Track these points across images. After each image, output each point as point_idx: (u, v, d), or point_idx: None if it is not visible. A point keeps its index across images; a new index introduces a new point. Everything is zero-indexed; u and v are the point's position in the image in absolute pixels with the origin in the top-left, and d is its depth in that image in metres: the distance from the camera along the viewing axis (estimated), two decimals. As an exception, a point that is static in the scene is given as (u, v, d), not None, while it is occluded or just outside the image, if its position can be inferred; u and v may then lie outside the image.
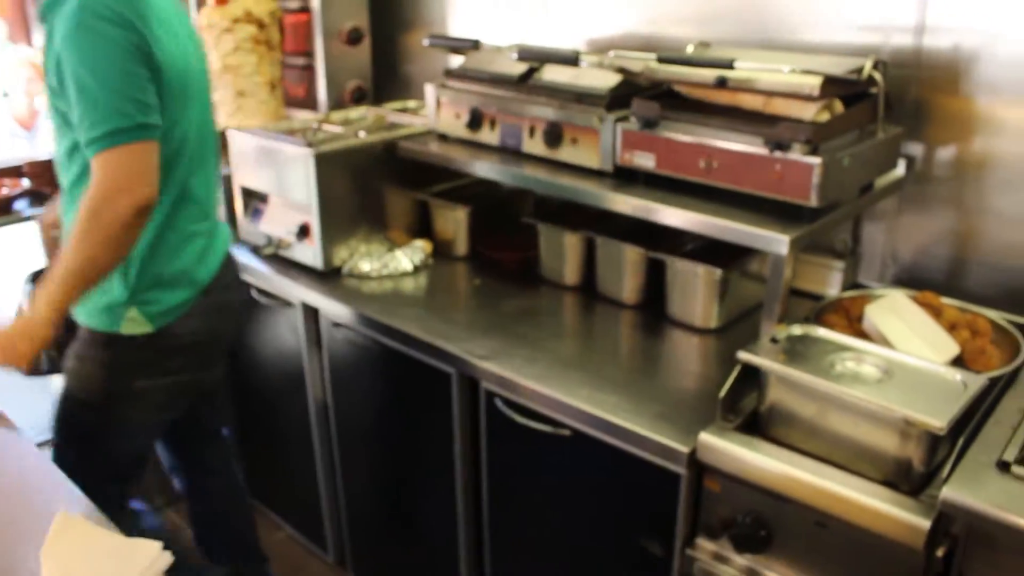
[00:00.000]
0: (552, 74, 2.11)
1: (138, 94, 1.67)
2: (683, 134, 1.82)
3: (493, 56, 2.27)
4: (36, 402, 2.19)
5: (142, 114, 1.67)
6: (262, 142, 2.37)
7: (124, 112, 1.65)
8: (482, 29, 2.73)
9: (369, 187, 2.39)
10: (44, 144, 3.46)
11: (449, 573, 2.24)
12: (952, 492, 1.33)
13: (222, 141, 2.56)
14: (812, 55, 1.94)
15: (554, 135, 2.04)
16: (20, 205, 2.94)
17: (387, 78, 3.06)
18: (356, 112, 2.72)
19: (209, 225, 1.98)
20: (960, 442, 1.46)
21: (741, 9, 2.16)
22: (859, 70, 1.78)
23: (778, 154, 1.69)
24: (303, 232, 2.33)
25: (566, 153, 2.04)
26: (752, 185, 1.74)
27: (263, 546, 2.51)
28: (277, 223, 2.42)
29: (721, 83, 1.80)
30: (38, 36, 4.08)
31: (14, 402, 1.88)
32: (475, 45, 2.28)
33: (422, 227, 2.54)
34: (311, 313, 2.33)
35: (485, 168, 2.17)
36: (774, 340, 1.60)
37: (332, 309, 2.23)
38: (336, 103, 2.88)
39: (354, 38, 2.86)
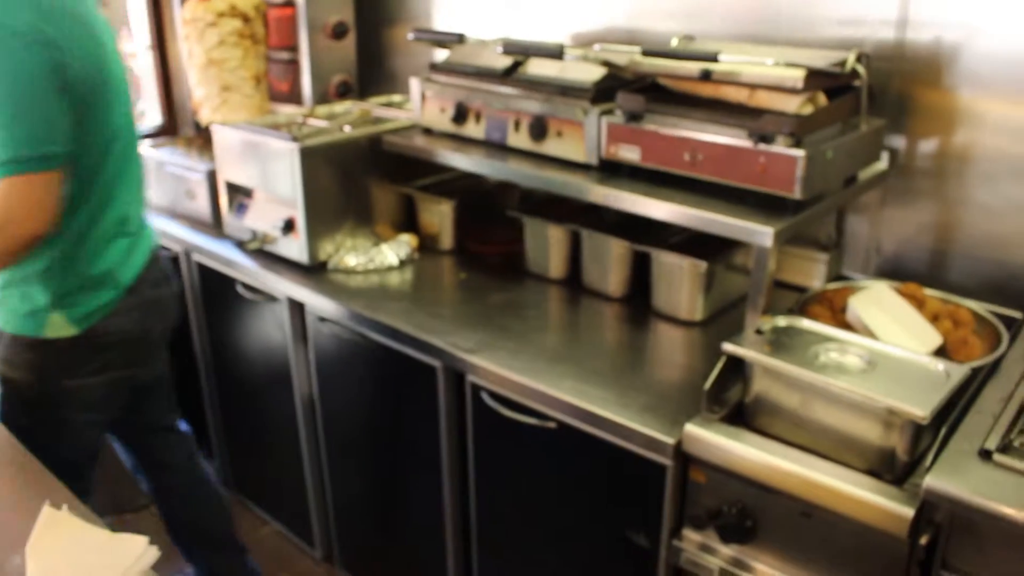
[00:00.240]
0: (537, 68, 2.11)
1: (49, 120, 1.66)
2: (668, 127, 1.83)
3: (478, 50, 2.27)
4: None
5: (50, 143, 1.66)
6: (247, 136, 2.36)
7: (32, 139, 1.63)
8: (467, 23, 2.73)
9: (354, 181, 2.38)
10: None
11: (437, 566, 2.25)
12: (935, 481, 1.34)
13: (208, 135, 2.56)
14: (796, 48, 1.95)
15: (539, 128, 2.04)
16: None
17: (372, 72, 3.06)
18: (341, 106, 2.71)
19: (133, 226, 1.98)
20: (943, 431, 1.47)
21: (726, 3, 2.17)
22: (842, 63, 1.79)
23: (762, 147, 1.69)
24: (288, 227, 2.33)
25: (551, 146, 2.04)
26: (736, 178, 1.75)
27: (242, 537, 2.51)
28: (262, 218, 2.41)
29: (705, 76, 1.80)
30: None
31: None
32: (460, 39, 2.28)
33: (408, 221, 2.53)
34: (297, 308, 2.33)
35: (470, 162, 2.17)
36: (759, 331, 1.61)
37: (318, 304, 2.23)
38: (321, 98, 2.87)
39: (339, 32, 2.86)
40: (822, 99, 1.78)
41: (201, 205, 2.71)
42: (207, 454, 3.05)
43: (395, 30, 2.99)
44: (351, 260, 2.34)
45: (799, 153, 1.65)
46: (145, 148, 2.89)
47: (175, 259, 2.73)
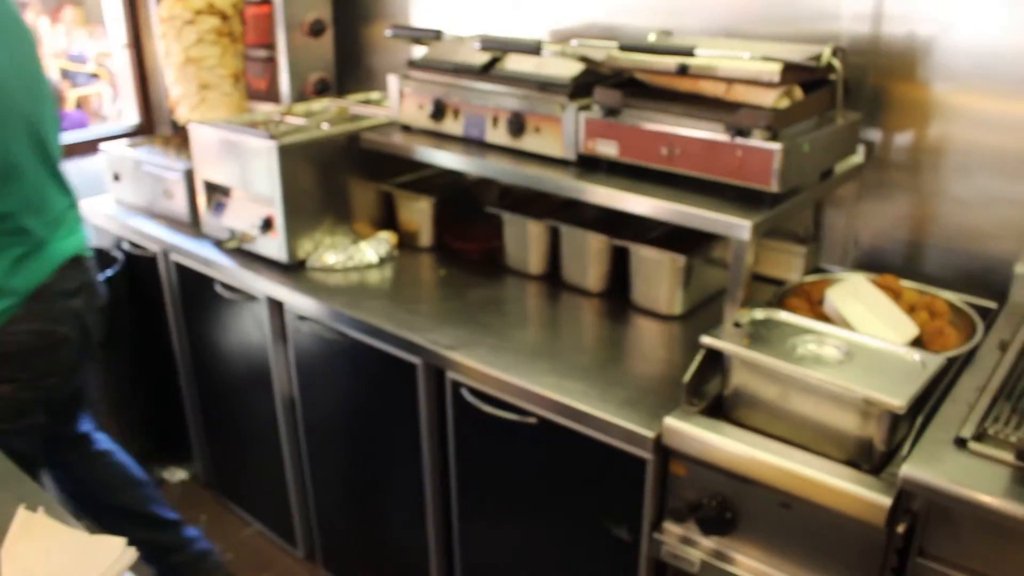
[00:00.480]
0: (515, 63, 2.11)
1: None
2: (645, 122, 1.83)
3: (456, 46, 2.26)
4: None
5: None
6: (224, 135, 2.35)
7: None
8: (445, 20, 2.72)
9: (333, 179, 2.37)
10: None
11: (419, 563, 2.24)
12: (911, 470, 1.35)
13: (185, 134, 2.55)
14: (772, 43, 1.96)
15: (517, 124, 2.04)
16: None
17: (350, 70, 3.05)
18: (319, 104, 2.70)
19: (32, 236, 1.95)
20: (919, 421, 1.48)
21: (703, -2, 2.18)
22: (818, 57, 1.80)
23: (739, 140, 1.70)
24: (267, 225, 2.32)
25: (530, 142, 2.04)
26: (714, 171, 1.75)
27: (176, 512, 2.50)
28: (240, 217, 2.40)
29: (682, 70, 1.81)
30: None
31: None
32: (437, 35, 2.28)
33: (387, 218, 2.53)
34: (276, 307, 2.32)
35: (449, 158, 2.16)
36: (737, 324, 1.62)
37: (297, 302, 2.22)
38: (299, 96, 2.86)
39: (316, 30, 2.84)
40: (798, 93, 1.79)
41: (179, 204, 2.69)
42: (187, 456, 3.05)
43: (373, 27, 2.98)
44: (330, 258, 2.33)
45: (776, 146, 1.66)
46: (122, 148, 2.87)
47: (153, 259, 2.71)
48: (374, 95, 2.80)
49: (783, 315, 1.66)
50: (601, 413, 1.65)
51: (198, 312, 2.65)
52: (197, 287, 2.57)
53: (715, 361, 1.60)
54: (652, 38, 2.07)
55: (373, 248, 2.38)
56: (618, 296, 2.13)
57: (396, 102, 2.33)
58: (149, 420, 3.04)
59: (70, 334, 2.05)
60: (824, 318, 1.75)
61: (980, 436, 1.42)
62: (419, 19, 2.83)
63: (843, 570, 1.48)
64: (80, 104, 5.92)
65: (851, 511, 1.41)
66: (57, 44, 6.14)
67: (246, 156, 2.29)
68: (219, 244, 2.46)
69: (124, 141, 2.98)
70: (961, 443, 1.40)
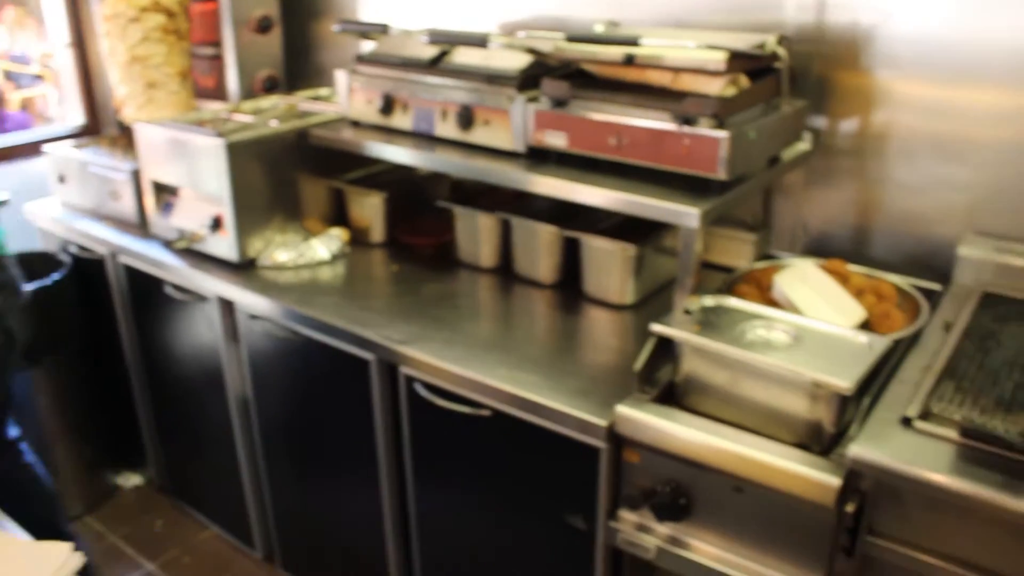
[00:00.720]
0: (463, 57, 2.11)
1: None
2: (593, 112, 1.83)
3: (403, 40, 2.25)
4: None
5: None
6: (170, 134, 2.31)
7: None
8: (394, 14, 2.71)
9: (283, 176, 2.35)
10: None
11: (378, 558, 2.23)
12: (859, 449, 1.37)
13: (132, 135, 2.50)
14: (718, 32, 1.97)
15: (466, 117, 2.04)
16: None
17: (300, 66, 3.02)
18: (267, 101, 2.67)
19: None
20: (867, 402, 1.50)
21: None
22: (763, 45, 1.82)
23: (686, 129, 1.71)
24: (216, 224, 2.29)
25: (479, 135, 2.04)
26: (662, 160, 1.76)
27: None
28: (189, 216, 2.37)
29: (629, 60, 1.81)
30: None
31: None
32: (384, 29, 2.26)
33: (338, 215, 2.51)
34: (227, 306, 2.29)
35: (398, 153, 2.15)
36: (687, 312, 1.63)
37: (248, 301, 2.20)
38: (247, 93, 2.83)
39: (264, 26, 2.82)
40: (744, 81, 1.80)
41: (126, 206, 2.65)
42: (141, 460, 3.00)
43: (322, 23, 2.96)
44: (281, 256, 2.31)
45: (722, 134, 1.67)
46: (67, 149, 2.81)
47: (101, 262, 2.67)
48: (323, 91, 2.78)
49: (732, 301, 1.67)
50: (554, 403, 1.65)
51: (148, 314, 2.61)
52: (147, 289, 2.53)
53: (666, 349, 1.61)
54: (599, 29, 2.08)
55: (324, 245, 2.36)
56: (570, 287, 2.14)
57: (344, 98, 2.31)
58: (101, 425, 2.99)
59: None
60: (773, 304, 1.76)
61: (925, 415, 1.44)
62: (367, 14, 2.81)
63: (796, 551, 1.50)
64: (24, 106, 5.79)
65: (802, 492, 1.43)
66: (-1, 45, 6.02)
67: (193, 155, 2.26)
68: (168, 245, 2.42)
69: (69, 142, 2.92)
70: (907, 422, 1.43)
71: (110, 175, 2.67)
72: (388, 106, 2.20)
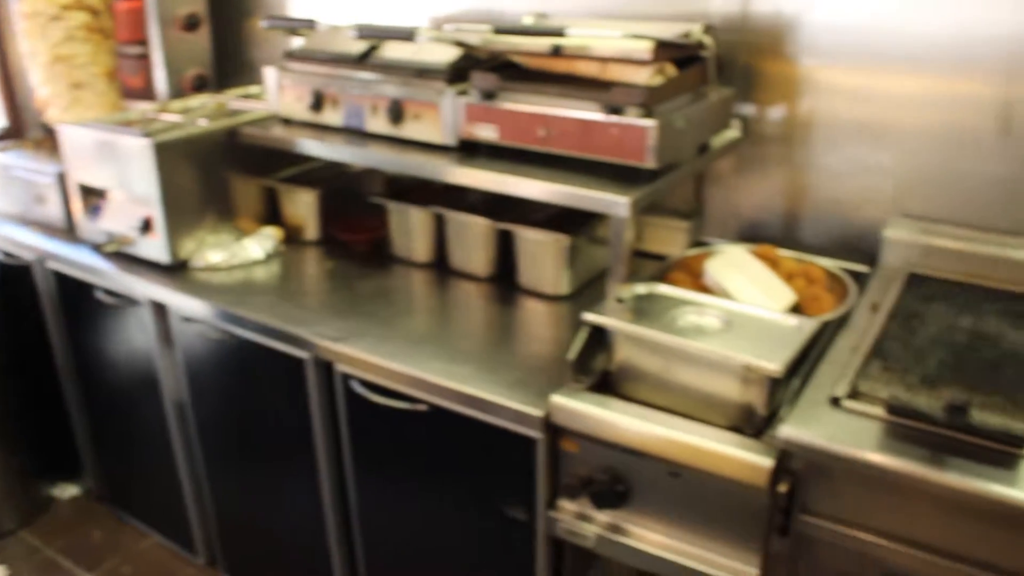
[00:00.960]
0: (392, 51, 2.09)
1: None
2: (522, 104, 1.83)
3: (332, 36, 2.23)
4: None
5: None
6: (96, 135, 2.26)
7: None
8: (324, 10, 2.68)
9: (213, 176, 2.31)
10: None
11: (322, 557, 2.21)
12: (789, 430, 1.39)
13: (55, 136, 2.45)
14: (645, 22, 1.98)
15: (397, 112, 2.03)
16: None
17: (230, 65, 2.97)
18: (197, 101, 2.63)
19: None
20: (797, 383, 1.53)
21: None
22: (688, 34, 1.83)
23: (614, 118, 1.72)
24: (146, 226, 2.24)
25: (410, 129, 2.03)
26: (591, 150, 1.77)
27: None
28: (118, 219, 2.32)
29: (556, 51, 1.82)
30: None
31: None
32: (311, 24, 2.24)
33: (271, 214, 2.48)
34: (159, 310, 2.25)
35: (329, 150, 2.13)
36: (619, 300, 1.64)
37: (181, 304, 2.16)
38: (176, 93, 2.78)
39: (191, 24, 2.77)
40: (671, 70, 1.81)
41: (53, 210, 2.59)
42: (77, 471, 2.94)
43: (252, 21, 2.91)
44: (214, 257, 2.27)
45: (650, 123, 1.68)
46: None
47: (28, 268, 2.60)
48: (254, 89, 2.74)
49: (664, 289, 1.69)
50: (489, 395, 1.65)
51: (79, 320, 2.55)
52: (76, 294, 2.47)
53: (600, 338, 1.62)
54: (528, 21, 2.08)
55: (258, 244, 2.33)
56: (506, 279, 2.14)
57: (274, 95, 2.28)
58: (33, 436, 2.92)
59: None
60: (706, 290, 1.78)
61: (854, 394, 1.47)
62: (297, 10, 2.78)
63: (733, 533, 1.51)
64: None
65: (736, 475, 1.45)
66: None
67: (120, 156, 2.22)
68: (97, 248, 2.37)
69: (-8, 146, 2.84)
70: (836, 402, 1.45)
71: (35, 179, 2.60)
72: (318, 102, 2.18)
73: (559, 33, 1.77)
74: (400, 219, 2.25)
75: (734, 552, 1.52)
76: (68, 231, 2.54)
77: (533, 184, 1.79)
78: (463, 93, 1.93)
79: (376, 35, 2.10)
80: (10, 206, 2.71)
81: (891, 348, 1.61)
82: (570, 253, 2.01)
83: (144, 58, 2.78)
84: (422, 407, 1.77)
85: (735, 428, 1.50)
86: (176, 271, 2.25)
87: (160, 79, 2.77)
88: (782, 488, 1.44)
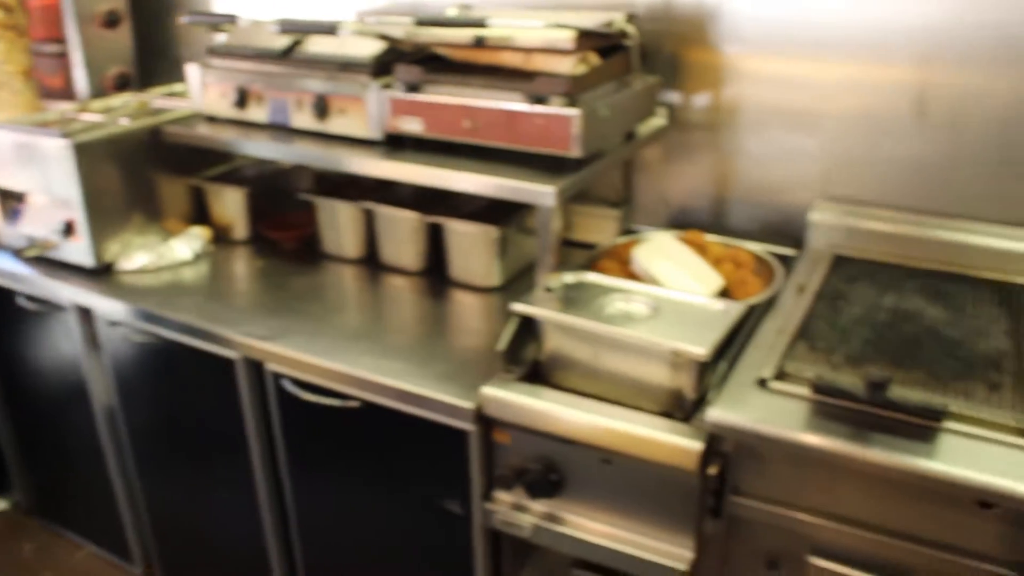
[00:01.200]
0: (316, 46, 2.07)
1: None
2: (447, 96, 1.82)
3: (255, 31, 2.19)
4: None
5: None
6: (14, 137, 2.19)
7: None
8: (247, 5, 2.64)
9: (138, 176, 2.26)
10: None
11: (259, 560, 2.18)
12: (716, 413, 1.41)
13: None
14: (568, 11, 1.99)
15: (322, 107, 2.00)
16: None
17: (155, 62, 2.91)
18: (119, 100, 2.57)
19: None
20: (725, 367, 1.54)
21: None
22: (611, 23, 1.84)
23: (538, 108, 1.72)
24: (68, 230, 2.19)
25: (335, 124, 2.01)
26: (517, 141, 1.77)
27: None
28: (39, 223, 2.25)
29: (479, 42, 1.81)
30: None
31: None
32: (232, 20, 2.20)
33: (200, 213, 2.43)
34: (85, 315, 2.19)
35: (255, 146, 2.10)
36: (548, 290, 1.64)
37: (107, 308, 2.11)
38: (97, 92, 2.72)
39: (111, 21, 2.70)
40: (595, 59, 1.82)
41: (-30, 215, 2.51)
42: (5, 484, 2.86)
43: (176, 17, 2.85)
44: (140, 259, 2.22)
45: (574, 112, 1.69)
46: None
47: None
48: (179, 87, 2.68)
49: (592, 277, 1.69)
50: (420, 389, 1.64)
51: (1, 328, 2.48)
52: (-3, 302, 2.41)
53: (530, 328, 1.62)
54: (452, 12, 2.07)
55: (186, 245, 2.28)
56: (437, 273, 2.14)
57: (198, 92, 2.24)
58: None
59: None
60: (635, 277, 1.79)
61: (780, 375, 1.49)
62: (221, 5, 2.73)
63: (666, 516, 1.52)
64: None
65: (666, 459, 1.46)
66: None
67: (39, 158, 2.15)
68: (18, 254, 2.30)
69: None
70: (763, 383, 1.47)
71: (-51, 184, 2.52)
72: (242, 99, 2.15)
73: (481, 24, 1.76)
74: (329, 215, 2.23)
75: (669, 536, 1.53)
76: (-13, 237, 2.47)
77: (459, 176, 1.78)
78: (388, 86, 1.91)
79: (299, 30, 2.08)
80: (-75, 213, 2.62)
81: (817, 329, 1.64)
82: (500, 244, 2.01)
83: (63, 56, 2.71)
84: (354, 404, 1.76)
85: (665, 413, 1.51)
86: (101, 275, 2.20)
87: (80, 78, 2.70)
88: (712, 471, 1.46)
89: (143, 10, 2.83)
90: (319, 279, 2.17)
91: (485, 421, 1.61)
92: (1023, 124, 1.80)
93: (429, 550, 1.85)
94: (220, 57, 2.20)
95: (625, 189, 2.19)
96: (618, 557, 1.57)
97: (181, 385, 2.10)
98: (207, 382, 2.01)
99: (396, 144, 1.94)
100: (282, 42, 2.10)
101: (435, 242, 2.13)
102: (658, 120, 2.07)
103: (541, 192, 1.68)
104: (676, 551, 1.53)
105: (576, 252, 2.10)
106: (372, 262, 2.23)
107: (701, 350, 1.44)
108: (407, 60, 1.92)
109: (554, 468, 1.59)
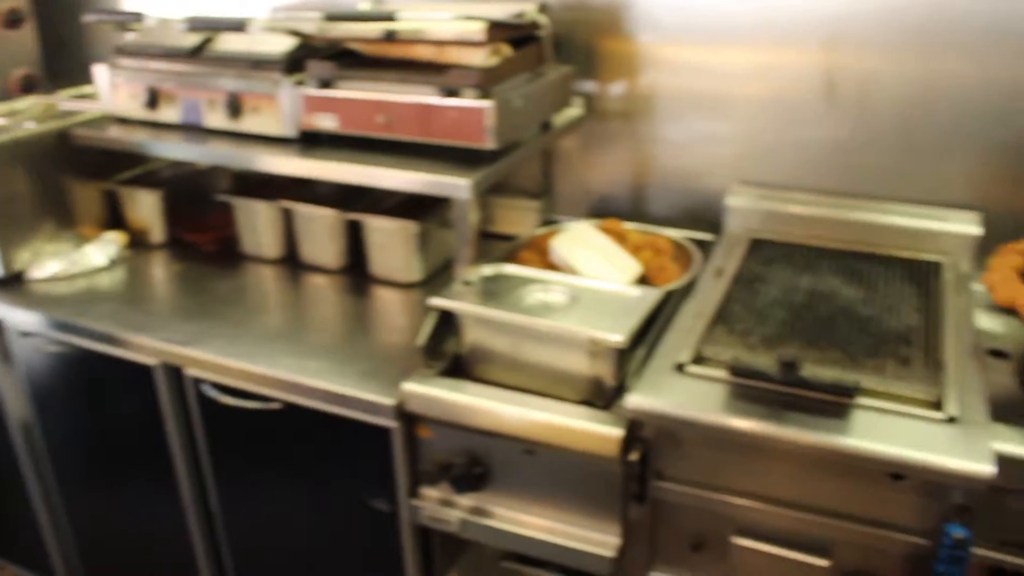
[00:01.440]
0: (227, 43, 2.03)
1: None
2: (360, 91, 1.81)
3: (163, 29, 2.14)
4: None
5: None
6: (-90, 145, 2.12)
7: None
8: (157, 3, 2.58)
9: (46, 181, 2.19)
10: None
11: (188, 567, 2.14)
12: (635, 399, 1.42)
13: None
14: (479, 3, 1.98)
15: (234, 106, 1.97)
16: None
17: (62, 63, 2.83)
18: (24, 103, 2.49)
19: None
20: (643, 353, 1.55)
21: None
22: (522, 14, 1.84)
23: (451, 101, 1.71)
24: (-27, 239, 2.12)
25: (249, 123, 1.97)
26: (431, 134, 1.76)
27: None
28: (-58, 233, 2.18)
29: (390, 37, 1.79)
30: None
31: None
32: (138, 17, 2.15)
33: (114, 218, 2.37)
34: (-6, 326, 2.13)
35: (168, 148, 2.06)
36: (466, 283, 1.63)
37: (18, 318, 2.05)
38: (2, 95, 2.62)
39: (13, 20, 2.62)
40: (507, 50, 1.82)
41: None
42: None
43: (84, 16, 2.78)
44: (52, 267, 2.16)
45: (487, 104, 1.68)
46: None
47: None
48: (88, 89, 2.60)
49: (511, 269, 1.69)
50: (341, 388, 1.62)
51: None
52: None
53: (450, 322, 1.61)
54: (364, 6, 2.05)
55: (100, 250, 2.22)
56: (358, 270, 2.12)
57: (107, 94, 2.18)
58: None
59: None
60: (554, 267, 1.80)
61: (698, 359, 1.51)
62: (129, 3, 2.66)
63: (593, 505, 1.53)
64: None
65: (589, 448, 1.47)
66: None
67: (-63, 166, 2.08)
68: (-80, 266, 2.22)
69: None
70: (681, 368, 1.48)
71: None
72: (153, 100, 2.10)
73: (391, 18, 1.74)
74: (247, 216, 2.19)
75: (596, 523, 1.54)
76: None
77: (375, 172, 1.76)
78: (300, 83, 1.89)
79: (208, 27, 2.03)
80: None
81: (734, 311, 1.66)
82: (420, 239, 2.00)
83: (-38, 60, 2.62)
84: (276, 405, 1.73)
85: (586, 402, 1.52)
86: (11, 284, 2.13)
87: (-18, 81, 2.62)
88: (633, 456, 1.47)
89: (47, 9, 2.74)
90: (239, 281, 2.13)
91: (407, 417, 1.60)
92: (924, 105, 1.85)
93: (359, 549, 1.84)
94: (129, 57, 2.15)
95: (544, 180, 2.19)
96: (546, 547, 1.57)
97: (99, 395, 2.05)
98: (125, 390, 1.96)
99: (311, 141, 1.91)
100: (192, 40, 2.06)
101: (355, 239, 2.11)
102: (575, 110, 2.08)
103: (456, 185, 1.67)
104: (603, 538, 1.53)
105: (497, 244, 2.09)
106: (292, 261, 2.21)
107: (618, 337, 1.44)
108: (319, 56, 1.90)
109: (478, 461, 1.59)
